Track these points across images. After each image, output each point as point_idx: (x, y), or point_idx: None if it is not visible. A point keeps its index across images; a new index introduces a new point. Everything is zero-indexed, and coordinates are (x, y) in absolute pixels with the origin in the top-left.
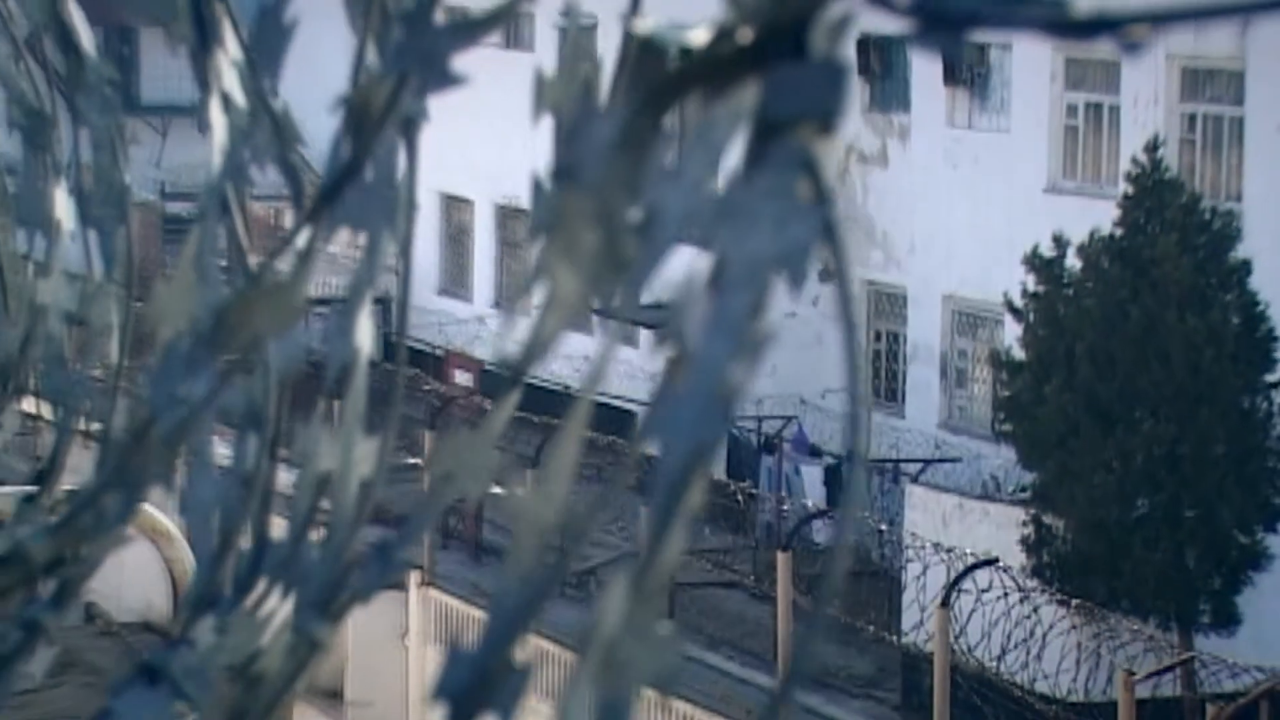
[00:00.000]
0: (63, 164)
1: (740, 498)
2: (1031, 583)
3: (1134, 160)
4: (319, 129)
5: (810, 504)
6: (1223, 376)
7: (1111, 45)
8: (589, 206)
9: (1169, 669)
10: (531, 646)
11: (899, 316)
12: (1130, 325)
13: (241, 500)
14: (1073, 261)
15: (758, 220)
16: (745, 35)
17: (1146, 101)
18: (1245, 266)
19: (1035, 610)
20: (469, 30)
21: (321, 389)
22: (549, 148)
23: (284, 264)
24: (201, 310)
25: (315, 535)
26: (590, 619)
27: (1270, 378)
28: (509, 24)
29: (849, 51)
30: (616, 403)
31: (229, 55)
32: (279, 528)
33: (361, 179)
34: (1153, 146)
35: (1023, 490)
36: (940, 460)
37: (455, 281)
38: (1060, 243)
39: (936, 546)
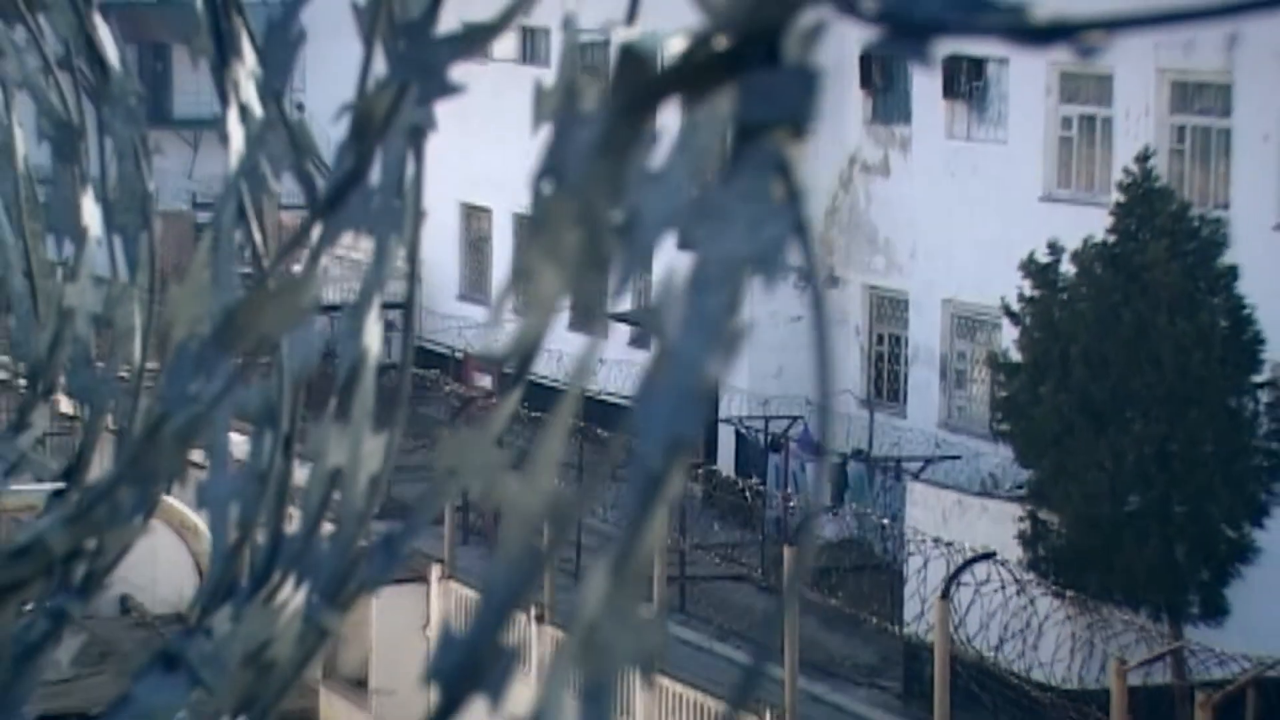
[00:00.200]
0: (90, 173)
1: (748, 495)
2: (1028, 576)
3: (1126, 170)
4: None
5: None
6: (1211, 378)
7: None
8: (572, 207)
9: (1160, 658)
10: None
11: (901, 320)
12: (1122, 328)
13: (257, 495)
14: (1067, 267)
15: (733, 220)
16: (721, 43)
17: (1138, 114)
18: (1233, 272)
19: (1031, 602)
20: (467, 41)
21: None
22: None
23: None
24: (214, 312)
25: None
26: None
27: (1256, 379)
28: (525, 40)
29: (850, 63)
30: (627, 402)
31: (247, 68)
32: (298, 520)
33: (367, 186)
34: (1144, 157)
35: (1019, 487)
36: (940, 458)
37: (475, 287)
38: (1055, 249)
39: (937, 541)
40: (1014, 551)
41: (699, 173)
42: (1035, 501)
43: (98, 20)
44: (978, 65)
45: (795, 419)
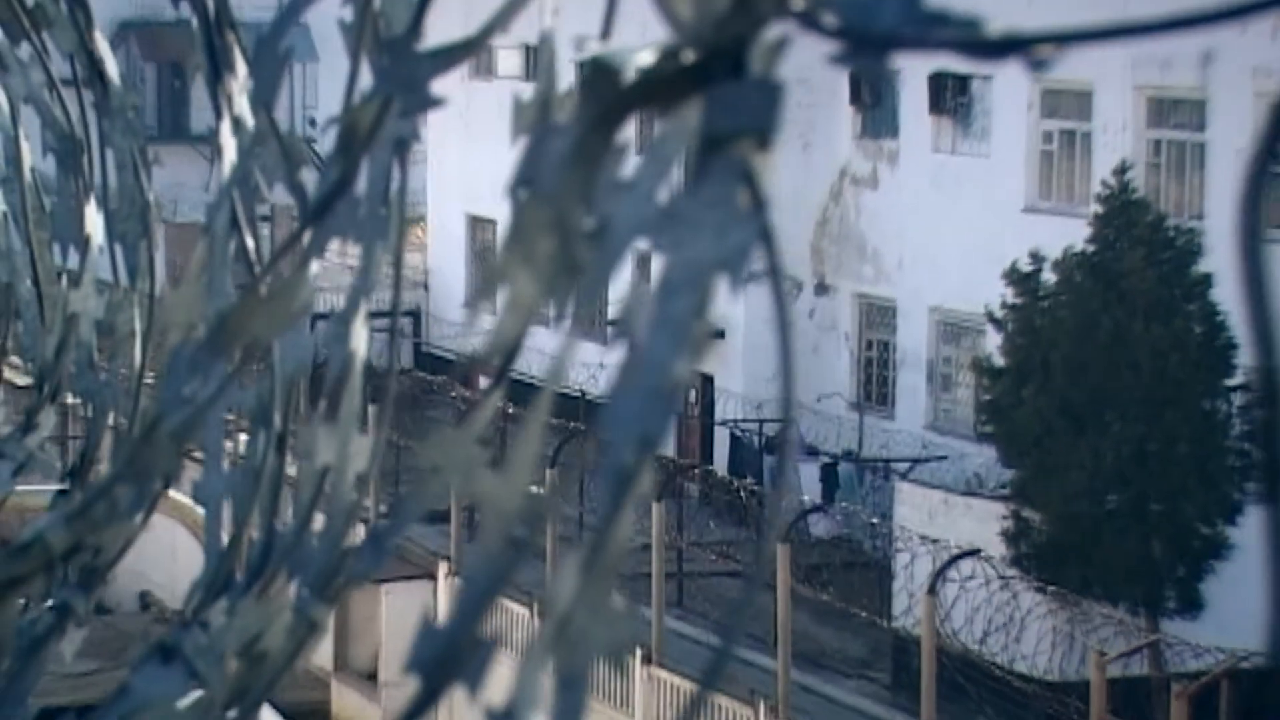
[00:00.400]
0: (92, 184)
1: (743, 494)
2: (1011, 571)
3: (1104, 182)
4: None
5: (807, 500)
6: (1186, 381)
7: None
8: (546, 215)
9: (1137, 650)
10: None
11: (889, 326)
12: (1101, 334)
13: (251, 492)
14: (1048, 276)
15: (700, 227)
16: (688, 57)
17: (1116, 128)
18: (1207, 280)
19: (1015, 597)
20: (447, 57)
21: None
22: None
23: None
24: (209, 317)
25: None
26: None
27: (1230, 382)
28: (528, 58)
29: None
30: None
31: (240, 82)
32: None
33: (354, 195)
34: (1122, 170)
35: (1003, 486)
36: (927, 459)
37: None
38: (1037, 258)
39: (924, 538)
40: (998, 548)
41: (667, 181)
42: (1018, 500)
43: (98, 37)
44: (963, 82)
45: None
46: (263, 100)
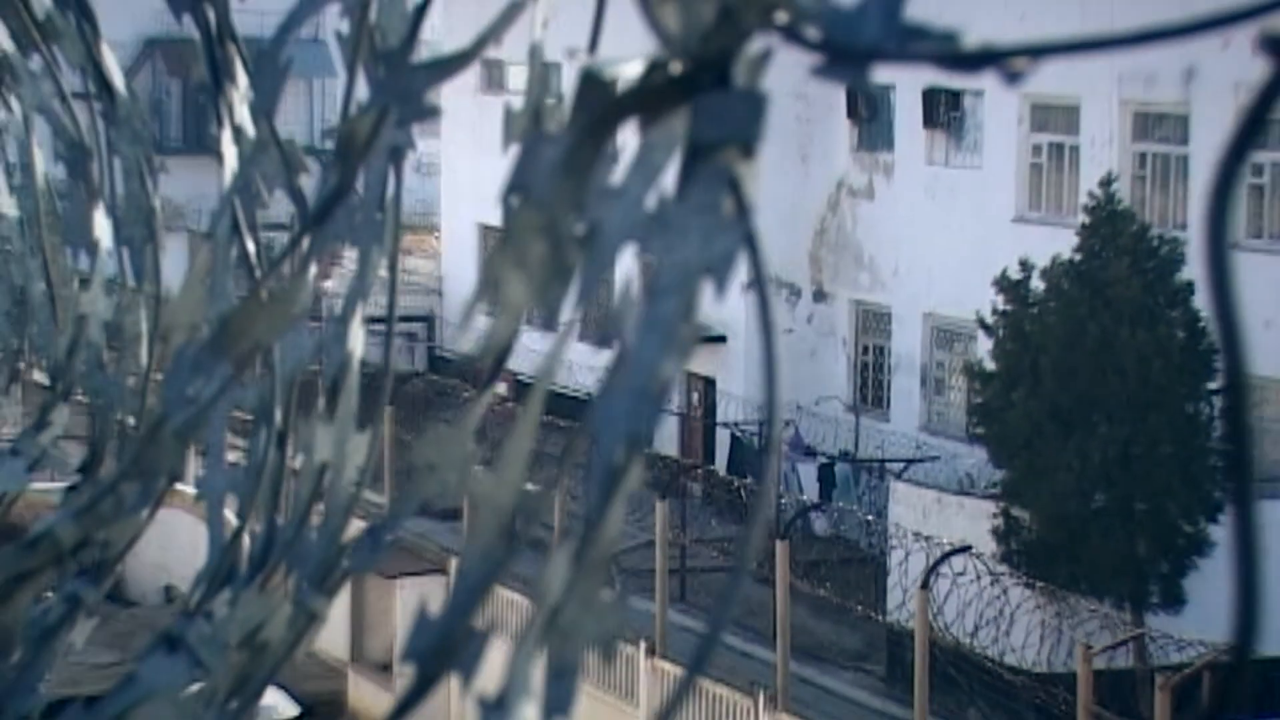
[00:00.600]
0: (100, 190)
1: (743, 493)
2: (1001, 568)
3: (1091, 194)
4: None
5: (805, 498)
6: (1170, 385)
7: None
8: (537, 220)
9: (1123, 643)
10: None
11: (884, 332)
12: (1088, 340)
13: (253, 488)
14: (1037, 283)
15: (687, 233)
16: (676, 68)
17: (1103, 142)
18: (1189, 287)
19: (1004, 592)
20: (440, 68)
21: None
22: None
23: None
24: (211, 319)
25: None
26: (537, 588)
27: (1211, 386)
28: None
29: (838, 96)
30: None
31: (241, 93)
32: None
33: (351, 201)
34: (1108, 181)
35: (993, 486)
36: (921, 459)
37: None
38: (1026, 267)
39: (917, 536)
40: (988, 545)
41: (655, 188)
42: (1008, 499)
43: (105, 50)
44: (955, 97)
45: (787, 423)
46: (263, 110)
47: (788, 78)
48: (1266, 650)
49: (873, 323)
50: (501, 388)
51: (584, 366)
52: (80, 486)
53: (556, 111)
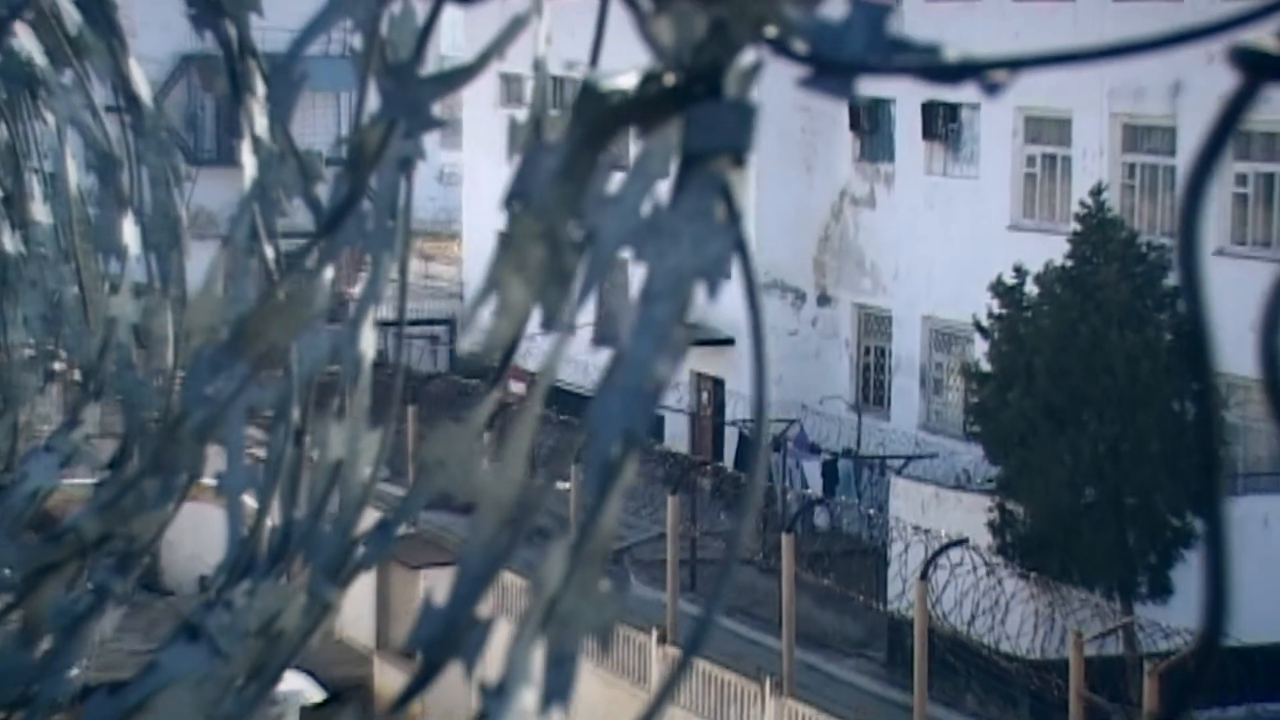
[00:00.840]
0: (129, 198)
1: None
2: (997, 559)
3: (1082, 202)
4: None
5: (810, 493)
6: (1157, 385)
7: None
8: (537, 226)
9: (1113, 631)
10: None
11: (885, 334)
12: (1079, 342)
13: (270, 483)
14: (1031, 288)
15: (680, 238)
16: (670, 79)
17: (1093, 153)
18: (1176, 291)
19: (1000, 583)
20: (446, 81)
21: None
22: None
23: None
24: (230, 321)
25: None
26: (536, 580)
27: (1197, 386)
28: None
29: (841, 109)
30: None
31: (260, 104)
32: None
33: (361, 209)
34: (1098, 191)
35: (989, 481)
36: (920, 456)
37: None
38: (1020, 272)
39: (916, 529)
40: (984, 538)
41: (650, 195)
42: (1003, 494)
43: (132, 64)
44: (953, 110)
45: (792, 422)
46: (279, 120)
47: (792, 92)
48: (1253, 638)
49: (874, 325)
50: (520, 387)
51: (599, 367)
52: (108, 482)
53: (558, 122)
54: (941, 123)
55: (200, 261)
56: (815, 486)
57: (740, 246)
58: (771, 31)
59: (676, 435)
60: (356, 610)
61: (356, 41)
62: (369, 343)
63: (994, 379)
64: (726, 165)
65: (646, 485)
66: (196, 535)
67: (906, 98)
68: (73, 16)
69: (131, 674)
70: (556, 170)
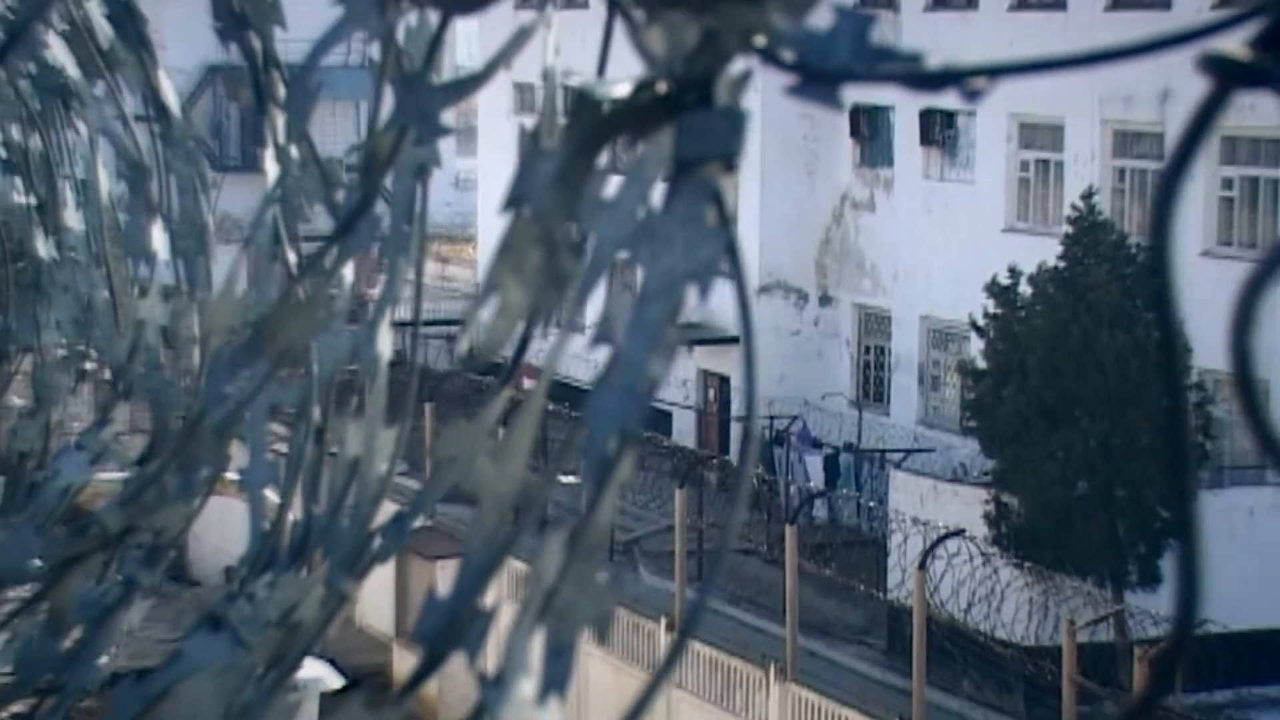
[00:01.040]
0: (158, 205)
1: (755, 481)
2: (992, 550)
3: (1074, 206)
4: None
5: (812, 486)
6: (1147, 383)
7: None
8: (535, 230)
9: (1104, 619)
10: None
11: (884, 333)
12: (1071, 341)
13: (291, 479)
14: (1025, 289)
15: (673, 242)
16: (662, 88)
17: (1085, 158)
18: None
19: (995, 572)
20: (456, 89)
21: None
22: None
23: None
24: (250, 322)
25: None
26: (535, 573)
27: (1185, 383)
28: (566, 96)
29: (841, 116)
30: (658, 405)
31: (282, 112)
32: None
33: (374, 213)
34: (1089, 194)
35: (985, 475)
36: (918, 450)
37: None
38: (1014, 273)
39: (915, 521)
40: (980, 529)
41: (644, 200)
42: (998, 487)
43: (161, 76)
44: (949, 117)
45: (794, 418)
46: (297, 128)
47: (795, 101)
48: (1240, 625)
49: (874, 325)
50: (532, 385)
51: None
52: (134, 477)
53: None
54: (938, 129)
55: (226, 266)
56: (817, 480)
57: (731, 250)
58: (760, 41)
59: (684, 431)
60: (376, 599)
61: (375, 52)
62: (386, 343)
63: (989, 376)
64: (717, 171)
65: (655, 479)
66: (222, 528)
67: (905, 105)
68: (105, 30)
69: (158, 662)
70: (554, 175)
